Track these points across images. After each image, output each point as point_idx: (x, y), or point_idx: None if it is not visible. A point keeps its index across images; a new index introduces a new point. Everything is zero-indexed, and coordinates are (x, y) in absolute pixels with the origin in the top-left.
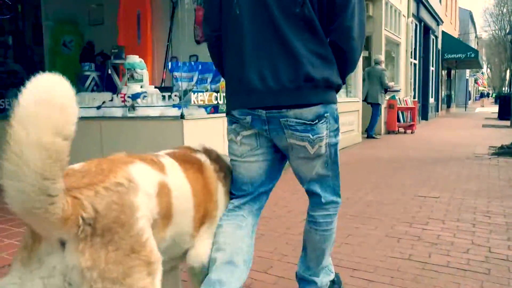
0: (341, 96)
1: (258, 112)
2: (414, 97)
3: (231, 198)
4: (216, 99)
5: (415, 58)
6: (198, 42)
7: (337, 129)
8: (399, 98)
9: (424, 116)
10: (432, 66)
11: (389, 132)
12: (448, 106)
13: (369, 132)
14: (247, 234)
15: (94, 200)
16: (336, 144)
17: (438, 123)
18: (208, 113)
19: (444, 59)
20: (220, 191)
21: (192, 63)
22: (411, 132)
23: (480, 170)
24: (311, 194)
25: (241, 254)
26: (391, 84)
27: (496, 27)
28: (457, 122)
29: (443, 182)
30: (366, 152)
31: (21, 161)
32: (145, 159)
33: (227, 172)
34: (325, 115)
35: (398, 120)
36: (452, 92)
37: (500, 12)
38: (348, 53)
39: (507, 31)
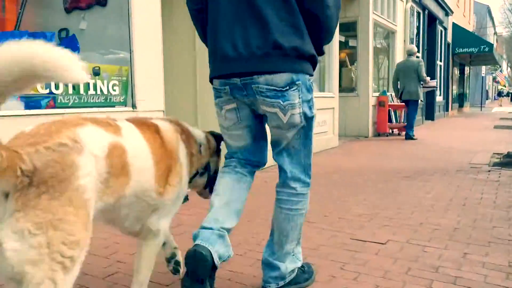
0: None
1: (233, 80)
2: None
3: (228, 157)
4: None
5: (417, 51)
6: (67, 10)
7: (311, 100)
8: (391, 95)
9: (430, 115)
10: (440, 60)
11: (379, 134)
12: (461, 105)
13: (408, 132)
14: (244, 188)
15: (33, 156)
16: (311, 117)
17: (444, 123)
18: (44, 107)
19: (455, 53)
20: (182, 151)
21: (51, 36)
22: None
23: (470, 191)
24: (280, 168)
25: (236, 202)
26: (428, 78)
27: None
28: (468, 122)
29: (406, 213)
30: (334, 160)
31: None
32: (100, 122)
33: (189, 137)
34: (297, 82)
35: (390, 120)
36: (466, 90)
37: None
38: (322, 21)
39: None
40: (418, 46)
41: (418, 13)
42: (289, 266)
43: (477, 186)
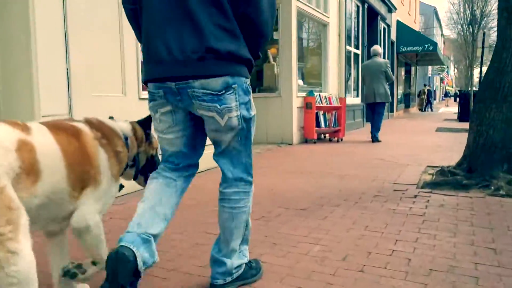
0: None
1: (168, 84)
2: (345, 95)
3: (162, 161)
4: None
5: (356, 47)
6: None
7: (249, 102)
8: (319, 95)
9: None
10: (383, 58)
11: (306, 140)
12: (407, 106)
13: (376, 135)
14: (173, 192)
15: None
16: (250, 119)
17: (387, 126)
18: None
19: (400, 52)
20: (102, 157)
21: None
22: (337, 140)
23: (381, 236)
24: (221, 170)
25: (163, 207)
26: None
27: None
28: (411, 125)
29: (270, 281)
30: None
31: None
32: (7, 122)
33: (112, 134)
34: (233, 86)
35: (318, 125)
36: (413, 91)
37: (466, 7)
38: (258, 25)
39: (468, 21)
40: (357, 42)
41: (358, 7)
42: (235, 262)
43: (392, 227)
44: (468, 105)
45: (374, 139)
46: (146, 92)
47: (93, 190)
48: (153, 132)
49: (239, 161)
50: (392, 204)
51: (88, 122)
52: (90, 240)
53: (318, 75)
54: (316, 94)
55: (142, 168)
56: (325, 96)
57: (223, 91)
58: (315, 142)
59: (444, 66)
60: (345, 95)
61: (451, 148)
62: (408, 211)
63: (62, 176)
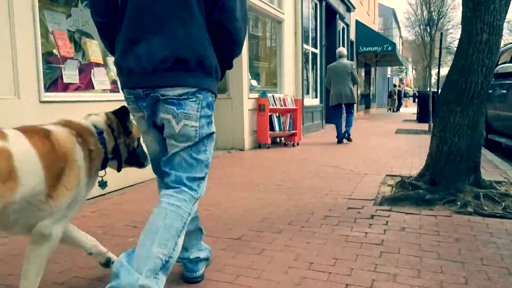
0: None
1: (137, 91)
2: (302, 96)
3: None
4: None
5: (314, 46)
6: None
7: (210, 117)
8: (273, 96)
9: (332, 118)
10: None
11: (260, 145)
12: (367, 107)
13: (347, 132)
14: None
15: None
16: (208, 135)
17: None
18: None
19: (359, 52)
20: (78, 154)
21: None
22: (293, 145)
23: (326, 279)
24: (166, 175)
25: (191, 223)
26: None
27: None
28: (371, 126)
29: None
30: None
31: None
32: None
33: (86, 131)
34: (197, 95)
35: (272, 128)
36: (373, 91)
37: (424, 8)
38: (233, 33)
39: (425, 22)
40: (315, 41)
41: (315, 4)
42: (143, 281)
43: (342, 265)
44: (427, 106)
45: (343, 137)
46: (52, 94)
47: (71, 189)
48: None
49: (188, 171)
50: (344, 229)
51: (60, 123)
52: (43, 251)
53: (273, 75)
54: (269, 95)
55: (126, 161)
56: (280, 98)
57: (184, 97)
58: (268, 147)
59: (403, 67)
60: (302, 97)
61: (411, 152)
62: (363, 238)
63: (40, 179)
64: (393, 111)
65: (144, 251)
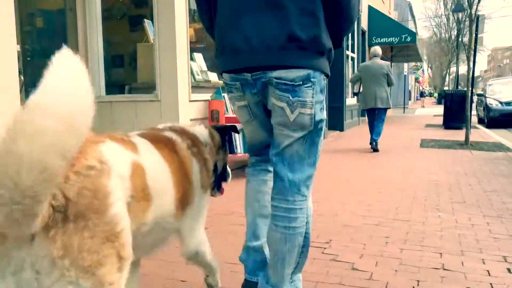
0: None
1: (244, 76)
2: None
3: (250, 154)
4: None
5: None
6: None
7: (323, 102)
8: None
9: (338, 125)
10: (353, 51)
11: None
12: None
13: (375, 140)
14: (271, 187)
15: (64, 187)
16: (321, 121)
17: (355, 136)
18: None
19: (372, 44)
20: (195, 168)
21: None
22: None
23: None
24: (276, 175)
25: (269, 205)
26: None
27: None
28: (386, 134)
29: None
30: None
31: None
32: (116, 138)
33: (199, 146)
34: (312, 79)
35: (232, 150)
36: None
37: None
38: (346, 9)
39: (451, 8)
40: None
41: None
42: None
43: None
44: (457, 108)
45: (374, 145)
46: None
47: (192, 206)
48: None
49: (300, 169)
50: None
51: (174, 130)
52: (205, 260)
53: None
54: (224, 96)
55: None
56: None
57: (300, 83)
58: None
59: (419, 65)
60: None
61: (457, 188)
62: None
63: (171, 198)
64: None
65: (278, 277)
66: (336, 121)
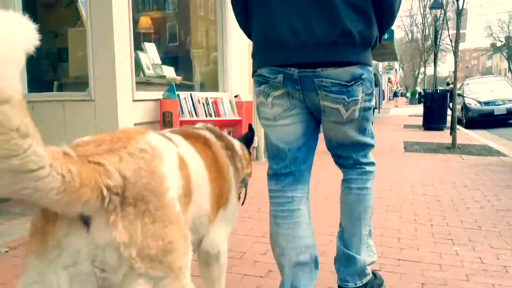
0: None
1: (289, 70)
2: None
3: (271, 178)
4: None
5: None
6: None
7: (372, 93)
8: (190, 96)
9: None
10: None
11: None
12: None
13: None
14: (306, 227)
15: (119, 166)
16: (369, 108)
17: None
18: None
19: None
20: (230, 169)
21: None
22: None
23: None
24: (341, 157)
25: (306, 251)
26: None
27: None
28: None
29: None
30: None
31: None
32: (156, 133)
33: (234, 150)
34: (362, 77)
35: None
36: None
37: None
38: (393, 5)
39: (428, 5)
40: None
41: None
42: (366, 259)
43: None
44: (438, 108)
45: None
46: None
47: (225, 209)
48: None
49: (360, 150)
50: None
51: (210, 130)
52: (217, 270)
53: (203, 57)
54: (184, 94)
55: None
56: (207, 99)
57: (352, 82)
58: None
59: (392, 64)
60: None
61: (464, 207)
62: None
63: (206, 195)
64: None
65: (357, 240)
66: None
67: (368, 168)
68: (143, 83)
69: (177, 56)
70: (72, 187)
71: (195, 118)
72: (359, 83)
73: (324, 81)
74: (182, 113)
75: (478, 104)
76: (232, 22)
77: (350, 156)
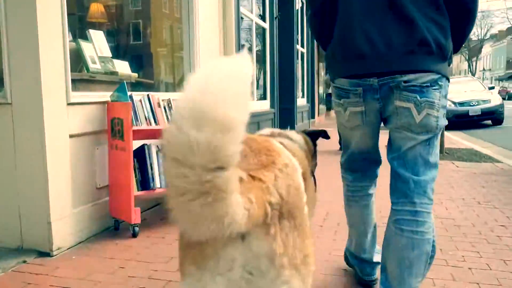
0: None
1: (369, 81)
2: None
3: (345, 170)
4: None
5: (262, 19)
6: None
7: (445, 108)
8: (147, 97)
9: (286, 127)
10: (302, 46)
11: (116, 227)
12: (329, 108)
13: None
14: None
15: (276, 184)
16: (441, 127)
17: None
18: None
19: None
20: (308, 171)
21: None
22: None
23: None
24: (397, 177)
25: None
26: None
27: None
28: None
29: None
30: None
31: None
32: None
33: (307, 152)
34: (439, 83)
35: (146, 182)
36: None
37: None
38: (473, 13)
39: None
40: (263, 9)
41: None
42: None
43: None
44: None
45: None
46: None
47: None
48: None
49: (424, 171)
50: None
51: (278, 133)
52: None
53: (167, 51)
54: (139, 96)
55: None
56: (169, 102)
57: (429, 85)
58: (134, 234)
59: None
60: None
61: (492, 237)
62: None
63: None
64: None
65: (406, 286)
66: (286, 124)
67: (423, 206)
68: (85, 80)
69: (135, 49)
70: (252, 215)
71: (154, 126)
72: (436, 87)
73: (400, 84)
74: (137, 119)
75: (453, 105)
76: (198, 7)
77: (412, 180)
